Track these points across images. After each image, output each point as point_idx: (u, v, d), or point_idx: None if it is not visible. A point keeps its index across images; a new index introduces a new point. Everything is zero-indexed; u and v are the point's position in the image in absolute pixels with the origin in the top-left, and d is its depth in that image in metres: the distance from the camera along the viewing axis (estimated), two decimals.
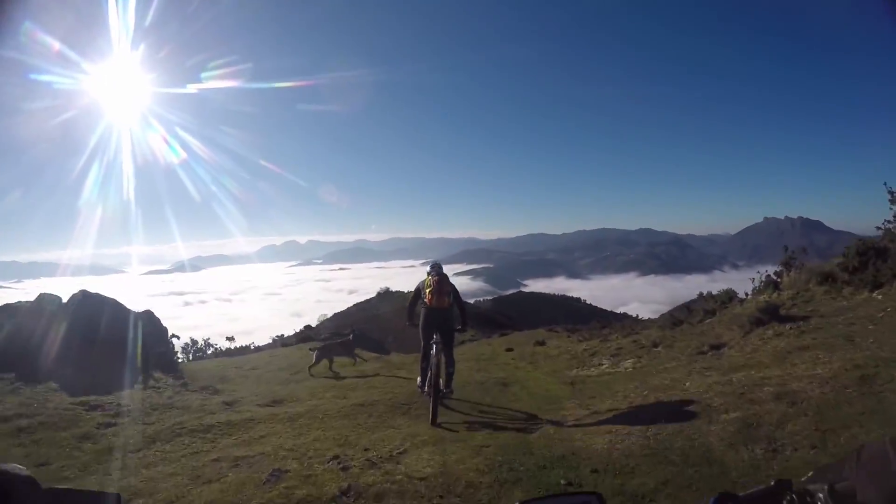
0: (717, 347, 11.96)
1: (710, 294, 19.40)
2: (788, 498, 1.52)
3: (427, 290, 9.84)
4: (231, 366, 17.77)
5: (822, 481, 1.26)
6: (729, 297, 17.34)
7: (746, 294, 17.08)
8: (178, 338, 24.24)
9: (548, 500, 1.75)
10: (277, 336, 32.51)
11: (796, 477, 1.21)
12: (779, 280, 16.20)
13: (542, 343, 22.96)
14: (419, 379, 10.41)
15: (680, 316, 18.71)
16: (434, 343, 9.51)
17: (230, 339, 29.02)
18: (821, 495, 1.27)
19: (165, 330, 16.54)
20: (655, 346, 14.47)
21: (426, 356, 9.84)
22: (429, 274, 10.04)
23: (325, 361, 14.91)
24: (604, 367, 13.91)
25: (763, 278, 17.04)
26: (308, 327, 33.70)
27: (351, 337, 16.12)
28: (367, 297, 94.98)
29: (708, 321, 15.67)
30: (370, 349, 22.20)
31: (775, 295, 14.87)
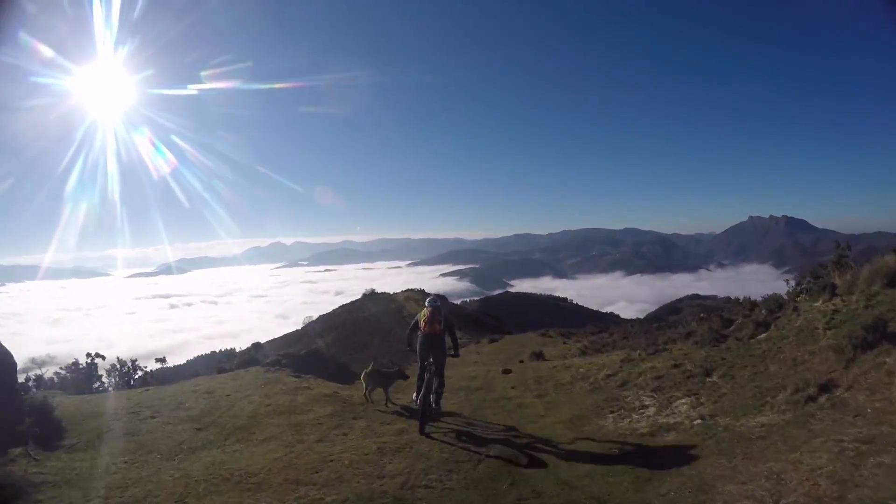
0: (825, 388, 8.73)
1: (751, 301, 16.56)
2: None
3: (422, 320, 11.70)
4: (132, 406, 13.61)
5: None
6: (778, 304, 14.56)
7: (789, 296, 14.69)
8: (104, 358, 22.62)
9: None
10: (225, 351, 28.48)
11: None
12: (835, 282, 13.11)
13: (540, 356, 22.13)
14: (415, 394, 12.19)
15: (719, 327, 15.45)
16: (427, 365, 11.66)
17: (160, 360, 25.91)
18: None
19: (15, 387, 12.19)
20: (708, 374, 11.80)
21: (422, 375, 11.77)
22: (426, 306, 11.89)
23: (379, 391, 13.78)
24: (649, 412, 11.04)
25: (810, 279, 14.47)
26: (257, 344, 29.12)
27: (395, 371, 14.28)
28: (354, 298, 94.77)
29: (763, 336, 13.02)
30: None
31: (838, 301, 12.32)
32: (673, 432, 9.81)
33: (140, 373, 23.17)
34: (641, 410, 11.42)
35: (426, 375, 11.56)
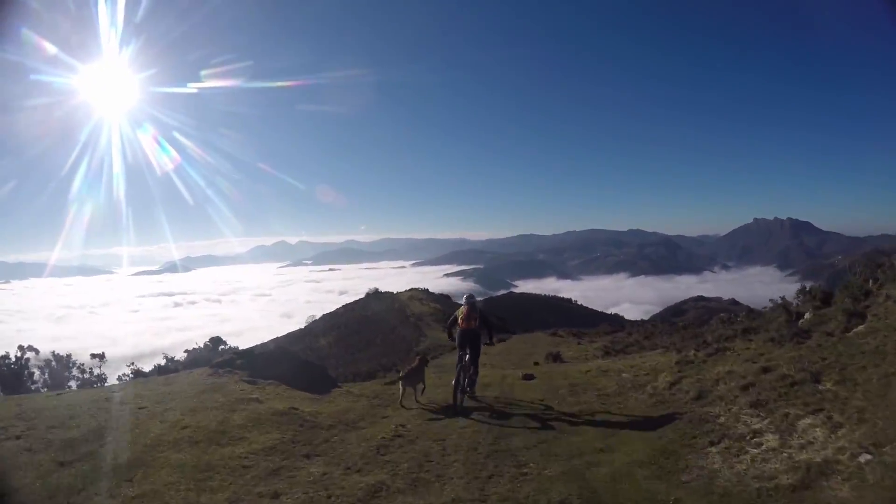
0: None
1: (822, 289, 14.05)
2: None
3: (460, 317, 13.30)
4: (9, 418, 10.48)
5: None
6: (864, 291, 12.11)
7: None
8: (37, 351, 20.05)
9: None
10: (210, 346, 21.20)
11: None
12: None
13: (557, 357, 21.24)
14: (454, 380, 13.08)
15: (786, 321, 13.30)
16: (463, 354, 13.02)
17: (97, 356, 21.17)
18: None
19: None
20: (816, 380, 9.01)
21: (460, 362, 13.02)
22: (463, 304, 13.50)
23: (409, 390, 13.47)
24: (770, 442, 7.84)
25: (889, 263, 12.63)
26: (216, 339, 23.28)
27: (420, 360, 14.16)
28: (358, 297, 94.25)
29: (861, 328, 10.38)
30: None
31: None
32: (838, 480, 6.41)
33: (75, 370, 20.19)
34: (755, 439, 8.06)
35: (466, 364, 12.95)
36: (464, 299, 13.65)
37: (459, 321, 13.29)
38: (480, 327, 13.33)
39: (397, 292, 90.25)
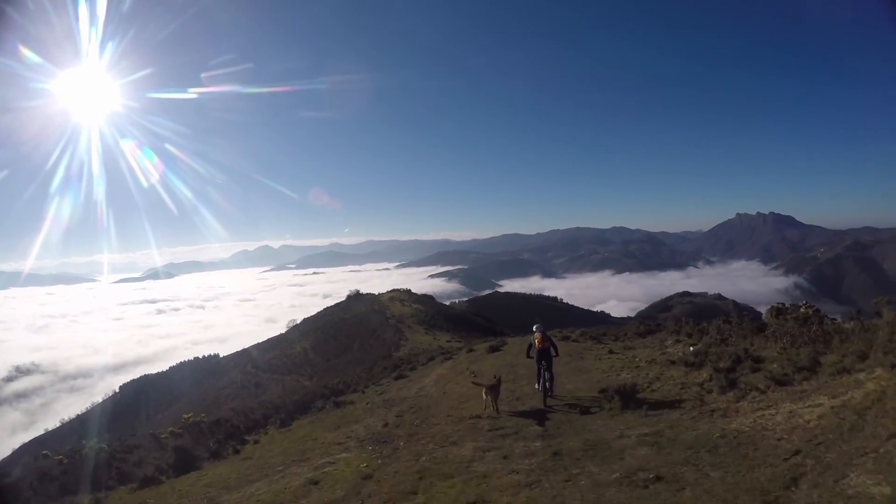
0: None
1: None
2: None
3: (536, 341, 17.21)
4: None
5: None
6: None
7: None
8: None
9: None
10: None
11: None
12: None
13: (632, 396, 14.07)
14: (536, 384, 17.52)
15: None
16: (542, 366, 16.73)
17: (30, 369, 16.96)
18: None
19: None
20: None
21: (539, 373, 17.05)
22: (534, 332, 17.52)
23: (489, 399, 16.38)
24: None
25: None
26: None
27: (498, 380, 17.21)
28: (340, 300, 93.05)
29: None
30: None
31: None
32: None
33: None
34: None
35: (542, 373, 16.79)
36: (535, 328, 17.85)
37: (536, 344, 17.37)
38: (550, 346, 17.25)
39: (379, 293, 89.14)
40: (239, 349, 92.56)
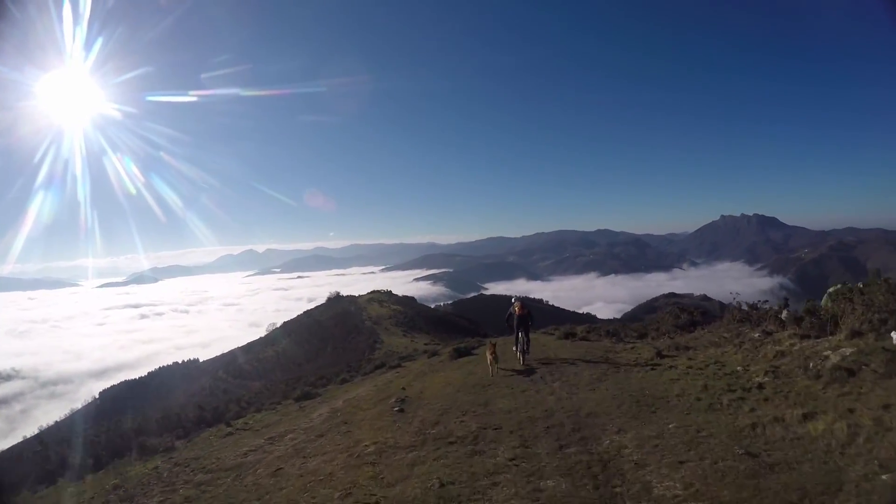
0: None
1: None
2: None
3: (516, 308, 18.92)
4: None
5: None
6: None
7: None
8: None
9: None
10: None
11: None
12: None
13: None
14: (514, 347, 18.86)
15: None
16: (520, 331, 18.45)
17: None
18: None
19: None
20: None
21: (517, 338, 18.61)
22: (513, 302, 19.39)
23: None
24: None
25: None
26: None
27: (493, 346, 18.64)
28: (321, 303, 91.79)
29: None
30: None
31: None
32: None
33: None
34: None
35: (520, 336, 18.54)
36: (514, 299, 20.15)
37: (517, 311, 18.98)
38: (528, 315, 19.06)
39: (358, 295, 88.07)
40: (218, 354, 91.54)
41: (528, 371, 16.82)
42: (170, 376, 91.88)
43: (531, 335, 19.73)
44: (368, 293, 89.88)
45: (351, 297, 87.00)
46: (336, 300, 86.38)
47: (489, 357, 17.52)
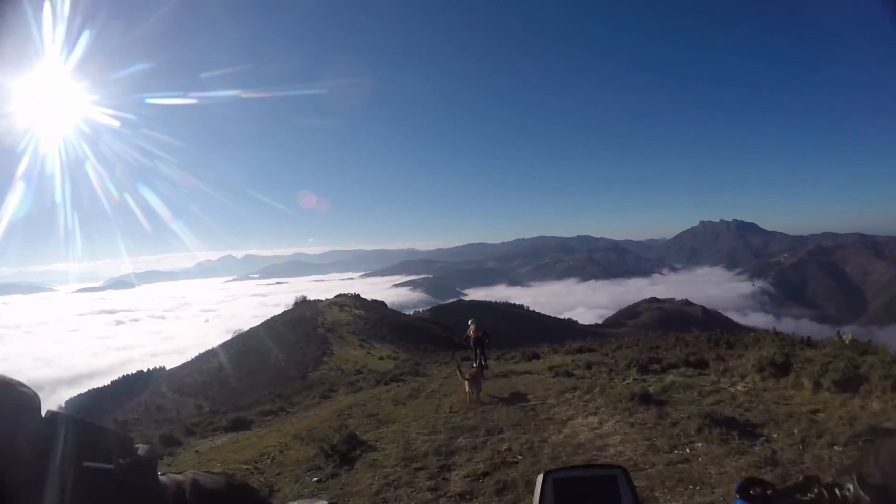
0: None
1: None
2: (816, 491, 1.53)
3: (471, 332, 20.06)
4: None
5: (850, 476, 1.43)
6: None
7: None
8: None
9: (574, 471, 1.90)
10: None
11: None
12: None
13: None
14: (473, 363, 19.39)
15: None
16: (478, 352, 19.69)
17: None
18: (850, 486, 1.46)
19: None
20: None
21: (475, 355, 19.75)
22: (470, 325, 20.43)
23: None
24: None
25: None
26: None
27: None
28: (286, 309, 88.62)
29: None
30: None
31: None
32: None
33: None
34: None
35: (478, 355, 19.50)
36: (470, 322, 20.50)
37: (472, 334, 19.95)
38: (484, 336, 20.04)
39: (319, 300, 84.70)
40: (178, 364, 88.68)
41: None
42: (134, 384, 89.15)
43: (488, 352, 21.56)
44: (335, 296, 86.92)
45: (318, 301, 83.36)
46: (301, 305, 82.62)
47: (465, 383, 14.38)
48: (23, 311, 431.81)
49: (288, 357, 56.98)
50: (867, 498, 1.27)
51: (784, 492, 1.55)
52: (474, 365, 18.51)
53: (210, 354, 74.33)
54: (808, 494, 1.52)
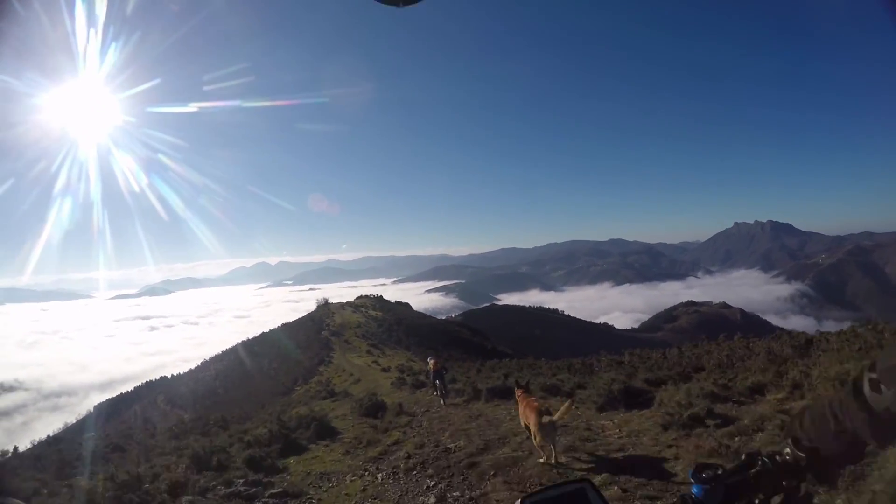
0: None
1: None
2: (761, 462, 1.70)
3: (431, 366, 21.24)
4: None
5: (787, 442, 1.67)
6: None
7: None
8: None
9: (546, 492, 2.01)
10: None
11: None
12: None
13: None
14: (434, 391, 20.94)
15: None
16: (438, 382, 20.25)
17: None
18: (787, 451, 1.80)
19: None
20: None
21: (434, 385, 20.66)
22: (429, 361, 22.39)
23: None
24: None
25: None
26: None
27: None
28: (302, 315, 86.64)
29: None
30: None
31: None
32: None
33: None
34: None
35: (439, 386, 20.09)
36: (429, 359, 22.94)
37: (432, 367, 21.02)
38: (442, 369, 20.82)
39: (340, 302, 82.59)
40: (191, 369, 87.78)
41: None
42: (158, 389, 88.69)
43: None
44: (356, 298, 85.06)
45: (330, 304, 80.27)
46: (322, 307, 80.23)
47: (533, 426, 8.87)
48: (61, 317, 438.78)
49: (280, 365, 53.49)
50: (803, 456, 1.79)
51: (733, 470, 1.68)
52: (435, 392, 21.03)
53: (212, 361, 73.32)
54: (754, 468, 1.67)
